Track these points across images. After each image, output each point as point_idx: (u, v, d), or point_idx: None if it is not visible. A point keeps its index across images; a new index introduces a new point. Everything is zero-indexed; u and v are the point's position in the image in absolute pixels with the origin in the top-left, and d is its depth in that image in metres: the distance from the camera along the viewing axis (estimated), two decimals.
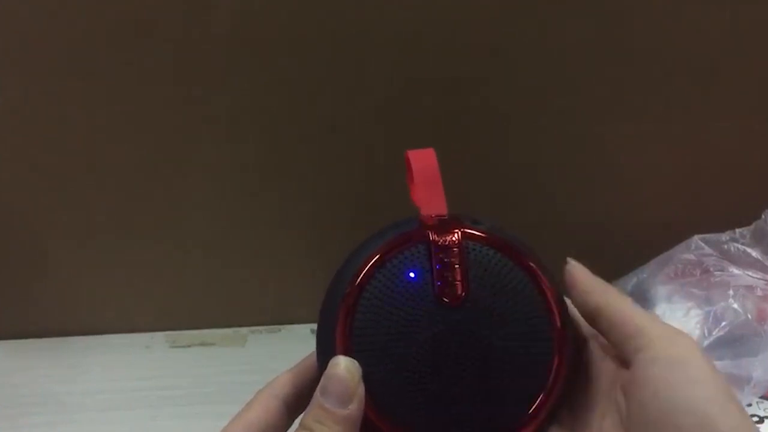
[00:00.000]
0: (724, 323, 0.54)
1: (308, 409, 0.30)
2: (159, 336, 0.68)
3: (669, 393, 0.28)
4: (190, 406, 0.61)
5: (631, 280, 0.61)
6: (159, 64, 0.57)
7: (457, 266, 0.32)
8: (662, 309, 0.57)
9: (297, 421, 0.33)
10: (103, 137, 0.60)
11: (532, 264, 0.33)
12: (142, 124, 0.59)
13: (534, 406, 0.31)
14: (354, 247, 0.33)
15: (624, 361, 0.31)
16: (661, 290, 0.59)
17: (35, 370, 0.64)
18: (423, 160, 0.34)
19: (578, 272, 0.34)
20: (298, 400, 0.34)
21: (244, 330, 0.69)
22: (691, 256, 0.59)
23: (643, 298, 0.59)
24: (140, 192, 0.62)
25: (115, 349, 0.67)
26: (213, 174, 0.62)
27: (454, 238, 0.32)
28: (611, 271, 0.62)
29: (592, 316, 0.33)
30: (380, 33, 0.57)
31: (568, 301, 0.34)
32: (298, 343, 0.67)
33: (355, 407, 0.29)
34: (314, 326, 0.72)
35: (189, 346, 0.67)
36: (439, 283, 0.31)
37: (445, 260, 0.32)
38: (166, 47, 0.56)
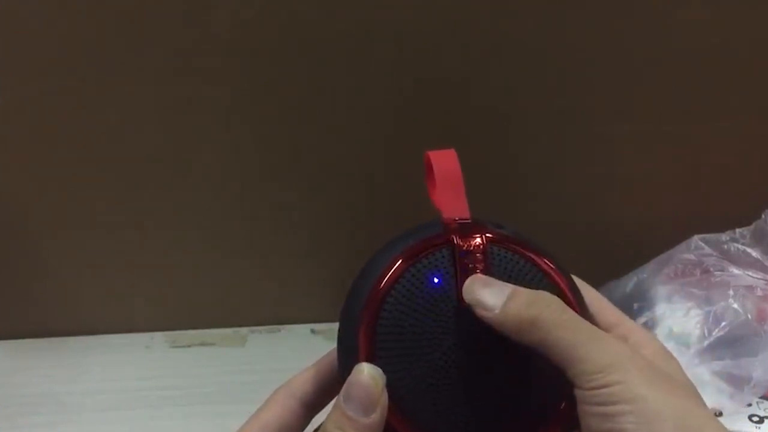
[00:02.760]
0: (724, 323, 0.54)
1: (330, 414, 0.29)
2: (159, 336, 0.68)
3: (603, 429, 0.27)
4: (190, 406, 0.61)
5: (631, 280, 0.61)
6: (159, 64, 0.57)
7: (480, 271, 0.31)
8: (662, 309, 0.57)
9: (314, 421, 0.33)
10: (103, 137, 0.60)
11: (555, 270, 0.32)
12: (142, 125, 0.59)
13: (557, 413, 0.31)
14: (376, 249, 0.33)
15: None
16: (661, 290, 0.58)
17: (35, 370, 0.64)
18: (445, 162, 0.34)
19: (488, 313, 0.30)
20: (317, 399, 0.33)
21: (244, 330, 0.69)
22: (691, 256, 0.59)
23: (643, 298, 0.59)
24: (140, 192, 0.62)
25: (115, 349, 0.67)
26: (213, 174, 0.62)
27: (478, 243, 0.32)
28: (611, 271, 0.62)
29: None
30: (380, 33, 0.57)
31: (590, 301, 0.34)
32: (298, 343, 0.67)
33: (377, 416, 0.29)
34: (314, 326, 0.72)
35: (189, 346, 0.67)
36: None
37: (470, 265, 0.31)
38: (166, 47, 0.56)
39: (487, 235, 0.32)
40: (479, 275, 0.31)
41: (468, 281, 0.31)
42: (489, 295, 0.30)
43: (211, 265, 0.66)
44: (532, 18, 0.57)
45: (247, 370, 0.64)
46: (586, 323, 0.29)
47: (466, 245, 0.32)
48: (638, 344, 0.33)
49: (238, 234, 0.65)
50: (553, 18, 0.57)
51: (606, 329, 0.34)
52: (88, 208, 0.62)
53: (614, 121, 0.62)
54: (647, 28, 0.58)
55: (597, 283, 0.63)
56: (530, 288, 0.31)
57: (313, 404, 0.33)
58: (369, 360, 0.30)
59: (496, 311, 0.29)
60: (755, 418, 0.54)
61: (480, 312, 0.30)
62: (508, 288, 0.30)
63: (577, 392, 0.28)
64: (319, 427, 0.30)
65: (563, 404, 0.31)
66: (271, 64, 0.57)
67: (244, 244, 0.65)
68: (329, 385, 0.33)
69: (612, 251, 0.64)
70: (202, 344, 0.67)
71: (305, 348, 0.66)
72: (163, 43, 0.56)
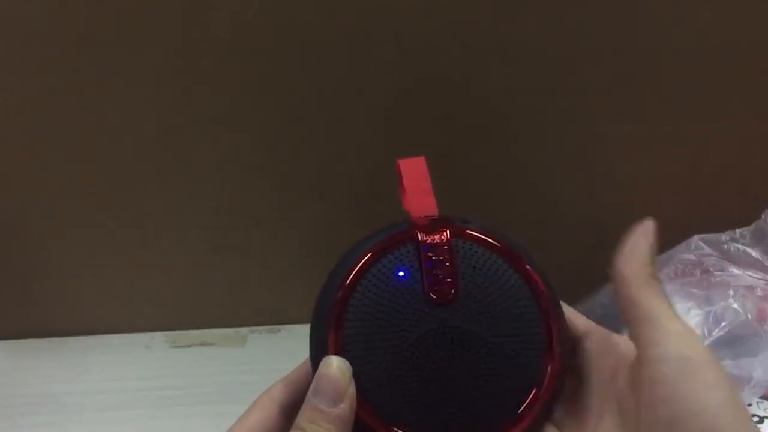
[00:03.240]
0: (724, 323, 0.54)
1: (301, 410, 0.30)
2: (159, 336, 0.68)
3: (679, 395, 0.28)
4: (190, 406, 0.61)
5: None
6: (159, 64, 0.57)
7: (447, 264, 0.32)
8: None
9: None
10: (103, 137, 0.60)
11: (523, 262, 0.33)
12: (142, 125, 0.59)
13: (525, 404, 0.31)
14: (347, 249, 0.34)
15: (635, 353, 0.31)
16: None
17: (35, 370, 0.64)
18: (413, 169, 0.35)
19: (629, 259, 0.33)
20: (294, 405, 0.34)
21: (244, 330, 0.69)
22: (691, 256, 0.59)
23: None
24: (140, 192, 0.62)
25: (115, 349, 0.67)
26: (213, 174, 0.62)
27: (443, 237, 0.33)
28: None
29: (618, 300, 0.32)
30: (380, 32, 0.57)
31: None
32: (298, 343, 0.66)
33: (346, 406, 0.29)
34: None
35: (189, 346, 0.67)
36: (429, 281, 0.32)
37: (434, 258, 0.32)
38: (166, 47, 0.56)
39: (452, 229, 0.33)
40: None
41: None
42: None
43: (211, 265, 0.66)
44: (532, 18, 0.57)
45: (247, 370, 0.64)
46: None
47: (430, 240, 0.32)
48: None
49: (238, 234, 0.65)
50: (553, 18, 0.57)
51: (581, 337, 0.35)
52: (88, 208, 0.62)
53: (614, 121, 0.62)
54: (647, 28, 0.58)
55: (596, 284, 0.63)
56: (496, 277, 0.32)
57: (291, 410, 0.34)
58: (337, 353, 0.31)
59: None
60: (755, 418, 0.54)
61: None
62: None
63: (651, 352, 0.29)
64: None
65: (533, 396, 0.31)
66: (271, 64, 0.57)
67: (244, 244, 0.65)
68: (305, 391, 0.34)
69: (612, 251, 0.64)
70: (202, 344, 0.67)
71: (305, 348, 0.65)
72: (163, 43, 0.56)
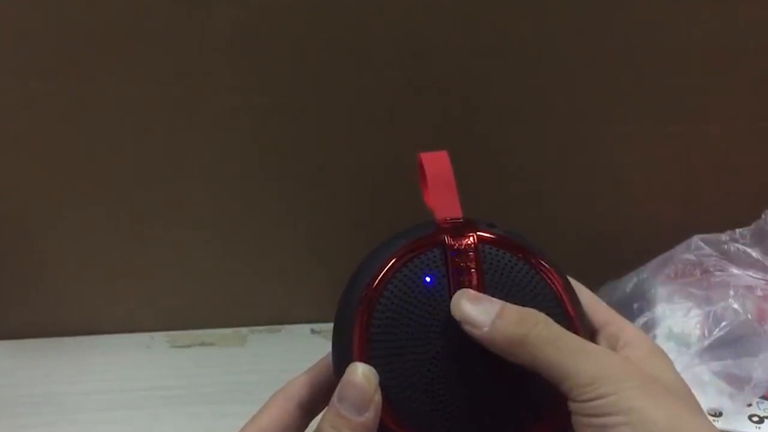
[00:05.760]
0: (724, 323, 0.54)
1: (324, 414, 0.30)
2: (159, 336, 0.68)
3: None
4: (190, 406, 0.61)
5: (631, 280, 0.61)
6: (159, 64, 0.57)
7: (473, 270, 0.31)
8: (662, 309, 0.57)
9: (312, 424, 0.33)
10: (103, 138, 0.60)
11: (548, 267, 0.32)
12: (142, 125, 0.59)
13: (552, 413, 0.31)
14: (369, 250, 0.33)
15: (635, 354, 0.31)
16: (661, 290, 0.58)
17: (35, 370, 0.64)
18: (437, 164, 0.34)
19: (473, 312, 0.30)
20: (314, 402, 0.33)
21: (244, 330, 0.69)
22: (691, 256, 0.59)
23: (643, 298, 0.59)
24: (140, 192, 0.62)
25: (115, 349, 0.67)
26: (213, 174, 0.62)
27: (469, 242, 0.32)
28: (611, 271, 0.62)
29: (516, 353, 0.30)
30: (383, 32, 0.57)
31: (583, 301, 0.34)
32: (298, 343, 0.67)
33: (371, 415, 0.29)
34: (314, 326, 0.72)
35: (189, 346, 0.67)
36: (455, 289, 0.31)
37: (461, 264, 0.31)
38: (166, 47, 0.56)
39: (479, 234, 0.32)
40: (468, 290, 0.31)
41: (456, 296, 0.31)
42: (477, 312, 0.30)
43: (211, 265, 0.66)
44: (532, 18, 0.57)
45: (247, 370, 0.64)
46: (574, 338, 0.30)
47: (457, 244, 0.32)
48: (630, 343, 0.33)
49: (238, 234, 0.65)
50: (553, 18, 0.57)
51: (598, 328, 0.34)
52: (88, 208, 0.62)
53: (614, 121, 0.62)
54: (647, 28, 0.58)
55: (597, 283, 0.63)
56: (522, 283, 0.31)
57: (310, 407, 0.34)
58: (363, 360, 0.30)
59: (485, 329, 0.29)
60: (755, 418, 0.54)
61: (468, 329, 0.30)
62: (496, 305, 0.30)
63: (571, 405, 0.29)
64: None
65: (558, 405, 0.31)
66: (271, 64, 0.57)
67: (244, 244, 0.65)
68: (325, 388, 0.33)
69: (612, 251, 0.64)
70: (202, 344, 0.67)
71: (305, 348, 0.66)
72: (163, 43, 0.56)
